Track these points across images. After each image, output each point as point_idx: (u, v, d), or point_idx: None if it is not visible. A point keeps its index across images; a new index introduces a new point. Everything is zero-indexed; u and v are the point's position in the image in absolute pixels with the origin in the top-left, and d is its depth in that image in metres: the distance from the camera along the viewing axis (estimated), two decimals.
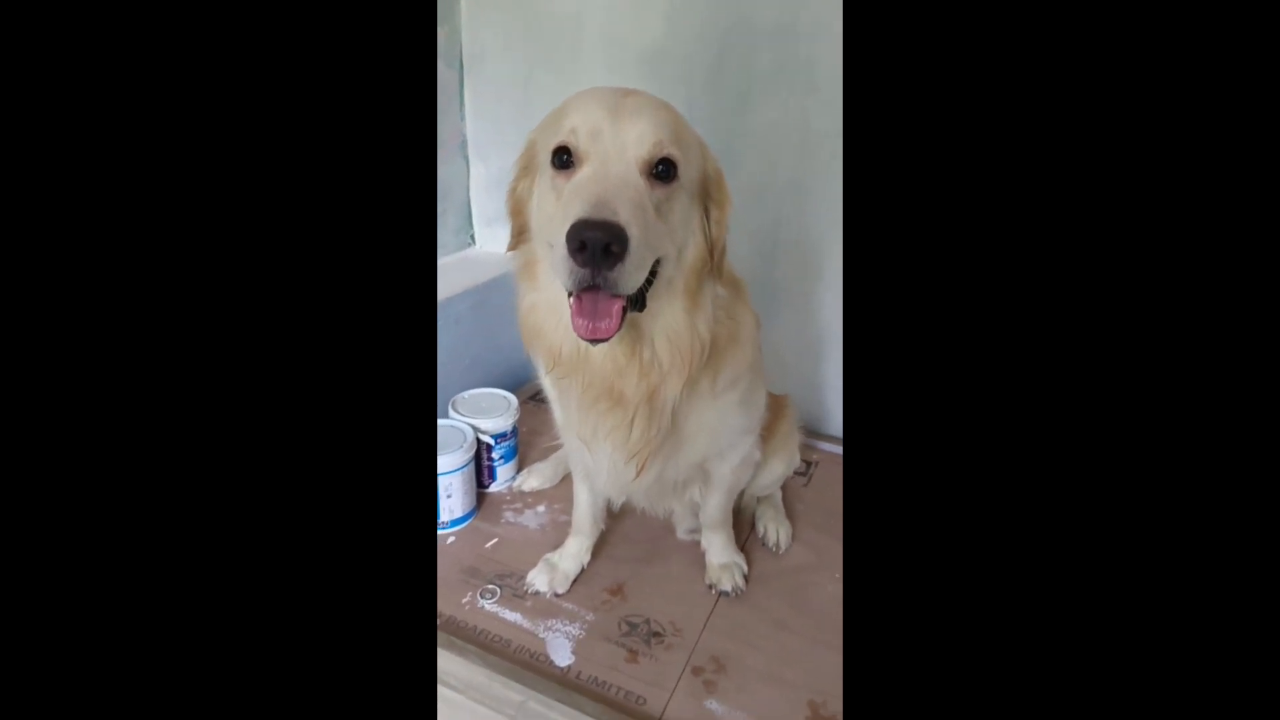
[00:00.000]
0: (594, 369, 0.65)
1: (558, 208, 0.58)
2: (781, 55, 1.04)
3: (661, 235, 0.58)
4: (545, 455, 1.08)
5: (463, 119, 1.27)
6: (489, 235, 1.34)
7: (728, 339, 0.69)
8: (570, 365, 0.65)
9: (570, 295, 0.57)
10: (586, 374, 0.65)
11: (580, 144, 0.58)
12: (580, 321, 0.56)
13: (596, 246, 0.50)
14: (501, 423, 1.00)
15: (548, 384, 0.74)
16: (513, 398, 1.04)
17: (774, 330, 1.21)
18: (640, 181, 0.57)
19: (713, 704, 0.71)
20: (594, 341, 0.57)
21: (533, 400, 1.17)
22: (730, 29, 1.06)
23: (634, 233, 0.52)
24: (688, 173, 0.60)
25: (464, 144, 1.28)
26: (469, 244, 1.35)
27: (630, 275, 0.53)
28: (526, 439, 1.10)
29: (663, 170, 0.58)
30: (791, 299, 1.18)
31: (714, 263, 0.65)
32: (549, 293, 0.64)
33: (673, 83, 1.11)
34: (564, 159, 0.59)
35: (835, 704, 0.71)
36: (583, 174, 0.57)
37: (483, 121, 1.27)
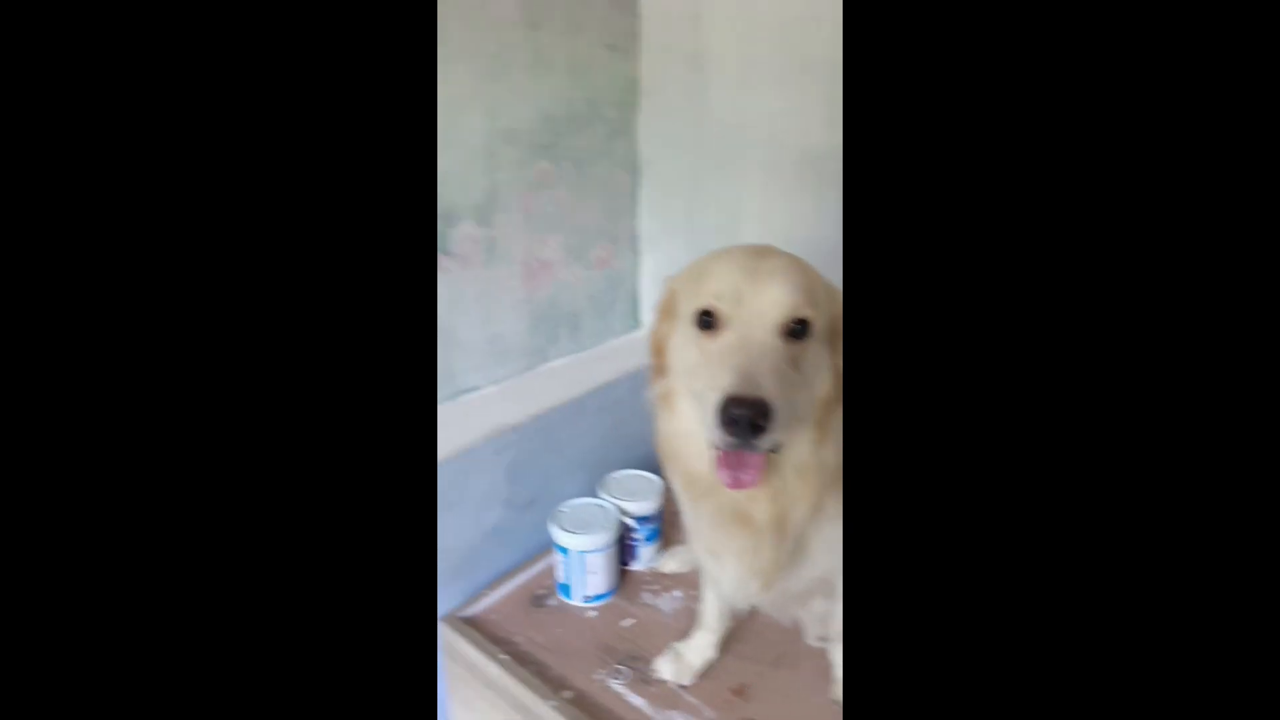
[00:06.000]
0: (725, 495, 0.69)
1: (702, 364, 0.63)
2: None
3: (798, 387, 0.62)
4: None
5: (635, 216, 1.39)
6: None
7: None
8: (704, 489, 0.70)
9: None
10: (719, 498, 0.70)
11: (722, 308, 0.63)
12: (725, 473, 0.61)
13: (745, 422, 0.55)
14: (647, 505, 1.06)
15: (680, 495, 0.79)
16: (659, 481, 1.10)
17: None
18: (779, 344, 0.61)
19: None
20: (736, 488, 0.62)
21: None
22: None
23: (778, 405, 0.56)
24: (819, 324, 0.64)
25: (634, 239, 1.40)
26: (634, 328, 1.45)
27: (774, 439, 0.57)
28: (671, 520, 1.15)
29: (798, 329, 0.62)
30: None
31: (839, 395, 0.67)
32: (686, 422, 0.69)
33: (831, 184, 1.13)
34: (706, 321, 0.63)
35: None
36: (726, 340, 0.62)
37: (654, 219, 1.38)
